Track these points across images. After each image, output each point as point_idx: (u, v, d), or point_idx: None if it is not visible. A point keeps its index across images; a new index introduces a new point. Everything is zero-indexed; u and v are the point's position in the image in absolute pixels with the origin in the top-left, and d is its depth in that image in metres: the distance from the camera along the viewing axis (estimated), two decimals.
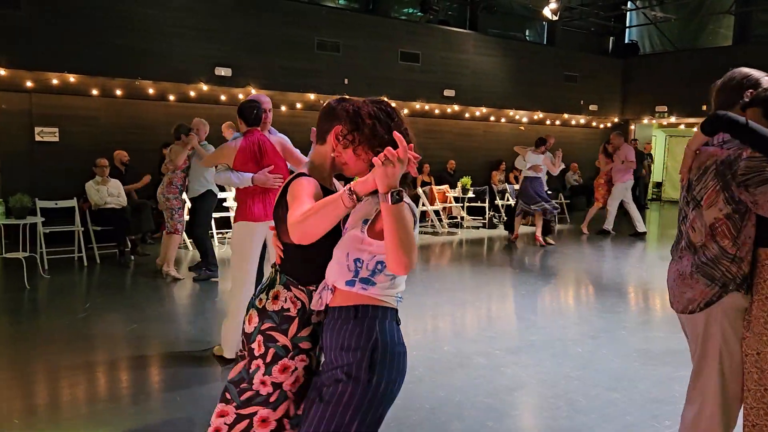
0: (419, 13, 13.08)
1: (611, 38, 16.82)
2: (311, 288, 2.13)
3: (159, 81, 9.30)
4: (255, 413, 2.13)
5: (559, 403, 3.73)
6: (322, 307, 2.05)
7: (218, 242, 9.12)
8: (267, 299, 2.15)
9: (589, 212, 11.19)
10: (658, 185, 18.49)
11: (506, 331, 5.29)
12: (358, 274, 1.94)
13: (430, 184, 12.27)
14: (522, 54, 13.85)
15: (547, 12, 12.47)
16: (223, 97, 10.20)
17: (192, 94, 9.79)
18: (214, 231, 9.06)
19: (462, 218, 11.99)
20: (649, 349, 4.78)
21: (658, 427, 3.44)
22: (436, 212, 11.41)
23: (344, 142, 2.02)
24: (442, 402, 3.72)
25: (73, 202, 7.67)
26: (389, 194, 1.74)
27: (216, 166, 4.42)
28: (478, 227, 11.87)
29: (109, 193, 7.77)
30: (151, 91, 9.48)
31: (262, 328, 2.13)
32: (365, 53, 11.36)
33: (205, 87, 9.67)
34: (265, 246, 4.33)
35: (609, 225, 10.81)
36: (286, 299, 2.13)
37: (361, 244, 1.94)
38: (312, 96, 10.80)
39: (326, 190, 2.10)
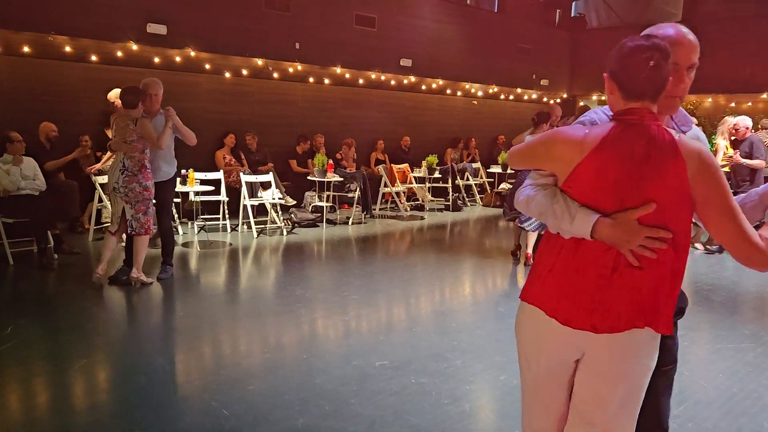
0: None
1: (558, 11, 16.32)
2: None
3: (78, 37, 7.60)
4: None
5: None
6: None
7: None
8: None
9: None
10: None
11: None
12: None
13: (384, 162, 11.25)
14: (476, 22, 12.97)
15: None
16: (156, 60, 8.61)
17: (119, 54, 8.14)
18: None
19: (429, 201, 11.07)
20: (731, 367, 4.06)
21: None
22: (397, 194, 10.43)
23: None
24: None
25: None
26: None
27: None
28: (441, 209, 11.01)
29: (23, 175, 6.17)
30: (68, 49, 7.76)
31: None
32: (318, 15, 10.05)
33: (134, 46, 8.06)
34: None
35: None
36: None
37: None
38: (260, 61, 9.41)
39: None
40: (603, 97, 15.65)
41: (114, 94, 6.37)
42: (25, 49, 7.50)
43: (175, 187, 5.98)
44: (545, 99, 15.15)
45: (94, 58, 8.10)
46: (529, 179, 1.93)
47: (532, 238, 6.75)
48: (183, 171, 7.56)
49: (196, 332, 4.50)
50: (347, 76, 10.74)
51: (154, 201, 5.53)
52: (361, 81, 11.16)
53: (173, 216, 7.78)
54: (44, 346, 4.16)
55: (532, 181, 1.91)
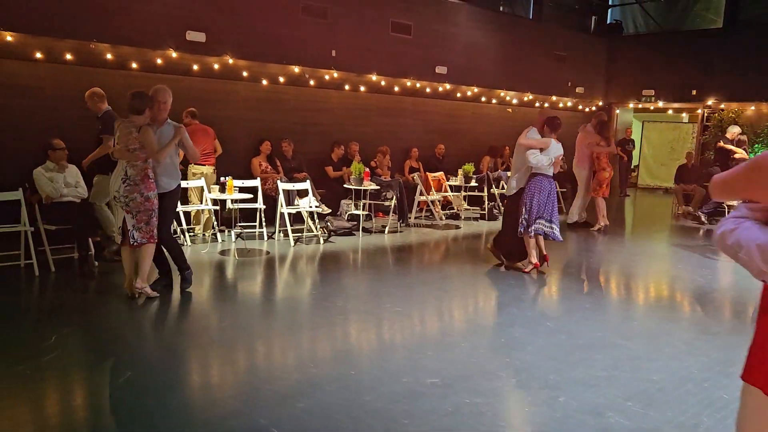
0: None
1: (593, 17, 16.06)
2: None
3: (119, 45, 7.66)
4: None
5: None
6: None
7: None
8: None
9: (602, 206, 9.93)
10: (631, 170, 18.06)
11: (606, 365, 4.21)
12: None
13: (418, 170, 11.12)
14: (511, 29, 12.82)
15: None
16: (195, 67, 8.62)
17: (159, 61, 8.18)
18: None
19: (464, 209, 10.91)
20: None
21: None
22: (432, 202, 10.30)
23: None
24: None
25: (18, 195, 6.04)
26: None
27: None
28: (476, 218, 10.83)
29: (66, 182, 6.19)
30: (109, 56, 7.81)
31: None
32: (354, 22, 10.01)
33: (174, 54, 8.09)
34: None
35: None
36: None
37: None
38: (296, 69, 9.38)
39: None
40: (639, 105, 15.33)
41: (87, 94, 6.21)
42: (68, 56, 7.57)
43: (179, 197, 5.71)
44: (580, 107, 14.89)
45: (134, 65, 8.14)
46: (736, 211, 1.55)
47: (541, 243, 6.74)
48: (222, 179, 7.57)
49: (238, 345, 4.41)
50: (383, 83, 10.67)
51: None
52: (396, 88, 11.08)
53: (213, 224, 7.80)
54: (87, 357, 4.11)
55: (738, 213, 1.52)
